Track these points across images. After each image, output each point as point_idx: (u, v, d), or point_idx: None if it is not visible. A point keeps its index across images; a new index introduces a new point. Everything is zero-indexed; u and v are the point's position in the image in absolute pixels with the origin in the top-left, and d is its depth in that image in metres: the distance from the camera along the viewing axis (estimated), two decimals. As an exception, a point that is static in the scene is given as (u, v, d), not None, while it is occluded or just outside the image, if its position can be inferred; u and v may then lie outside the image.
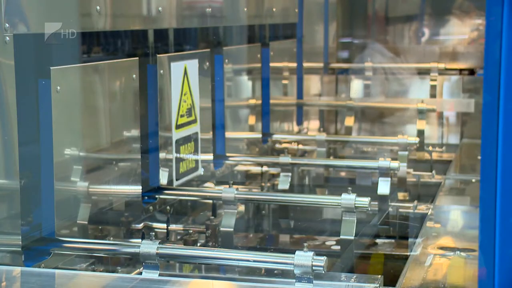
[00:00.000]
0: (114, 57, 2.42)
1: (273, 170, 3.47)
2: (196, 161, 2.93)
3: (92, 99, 2.24)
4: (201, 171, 2.96)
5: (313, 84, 4.78)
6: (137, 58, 2.48)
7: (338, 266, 2.41)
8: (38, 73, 2.00)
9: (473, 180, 3.39)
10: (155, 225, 2.61)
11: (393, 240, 3.06)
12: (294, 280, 1.88)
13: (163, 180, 2.67)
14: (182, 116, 2.79)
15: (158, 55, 2.61)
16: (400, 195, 3.38)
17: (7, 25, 1.84)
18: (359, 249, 2.87)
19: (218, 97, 3.15)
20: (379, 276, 1.98)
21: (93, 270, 2.21)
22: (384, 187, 2.92)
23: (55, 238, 2.05)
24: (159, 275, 1.99)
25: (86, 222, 2.22)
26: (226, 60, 3.18)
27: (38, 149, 2.02)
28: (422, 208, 3.35)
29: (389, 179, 2.93)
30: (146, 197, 2.56)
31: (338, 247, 2.85)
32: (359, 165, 3.29)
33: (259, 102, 3.69)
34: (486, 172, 1.60)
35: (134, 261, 2.44)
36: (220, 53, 3.15)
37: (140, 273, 2.15)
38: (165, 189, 2.66)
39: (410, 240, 2.96)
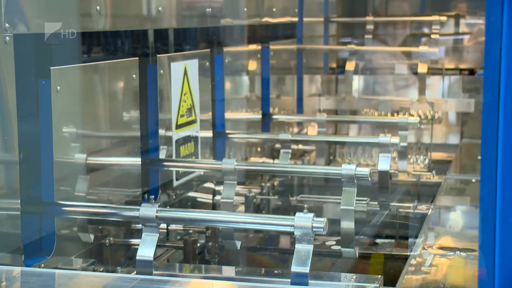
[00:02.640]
0: (114, 57, 2.42)
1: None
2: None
3: (92, 99, 2.23)
4: (201, 171, 2.96)
5: (313, 84, 4.78)
6: (137, 58, 2.48)
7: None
8: (38, 73, 2.00)
9: (473, 180, 3.39)
10: (155, 225, 2.61)
11: (393, 240, 3.06)
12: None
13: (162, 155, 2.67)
14: (182, 116, 2.79)
15: (158, 55, 2.61)
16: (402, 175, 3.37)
17: (7, 25, 1.84)
18: (359, 249, 2.87)
19: (218, 97, 3.15)
20: (379, 276, 1.98)
21: (93, 270, 2.21)
22: (384, 163, 2.91)
23: (54, 202, 2.05)
24: (157, 275, 1.99)
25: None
26: (226, 60, 3.18)
27: (38, 149, 2.02)
28: (422, 208, 3.36)
29: (390, 155, 2.92)
30: (146, 197, 2.57)
31: (339, 247, 2.86)
32: (359, 141, 3.30)
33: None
34: (486, 172, 1.60)
35: (134, 260, 2.45)
36: (220, 53, 3.15)
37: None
38: (165, 161, 2.65)
39: (410, 240, 2.96)
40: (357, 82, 4.74)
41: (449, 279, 2.23)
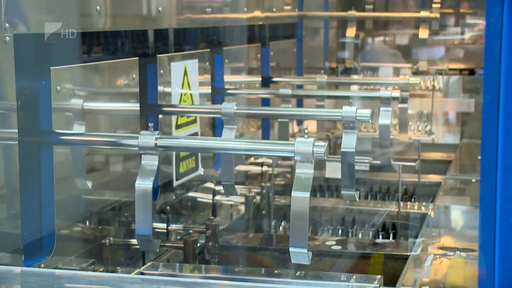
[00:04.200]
0: (114, 57, 2.42)
1: (271, 171, 3.47)
2: (196, 161, 2.92)
3: (92, 99, 2.23)
4: (201, 171, 2.96)
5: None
6: (137, 58, 2.47)
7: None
8: (38, 73, 1.99)
9: (473, 180, 3.40)
10: (155, 225, 2.61)
11: (393, 240, 3.07)
12: (294, 280, 1.88)
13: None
14: (182, 116, 2.79)
15: (158, 55, 2.60)
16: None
17: (7, 25, 1.84)
18: (359, 249, 2.88)
19: (218, 98, 3.15)
20: (379, 276, 1.98)
21: (93, 270, 2.21)
22: (385, 117, 2.90)
23: (51, 131, 2.02)
24: (159, 275, 1.99)
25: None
26: (226, 60, 3.18)
27: (39, 149, 2.02)
28: (422, 208, 3.36)
29: (390, 109, 2.90)
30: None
31: (339, 247, 2.86)
32: (360, 96, 3.29)
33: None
34: (486, 172, 1.60)
35: (134, 260, 2.45)
36: (220, 53, 3.14)
37: (141, 273, 2.16)
38: (164, 106, 2.62)
39: (410, 240, 2.96)
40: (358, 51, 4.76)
41: (449, 279, 2.23)
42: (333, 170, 3.57)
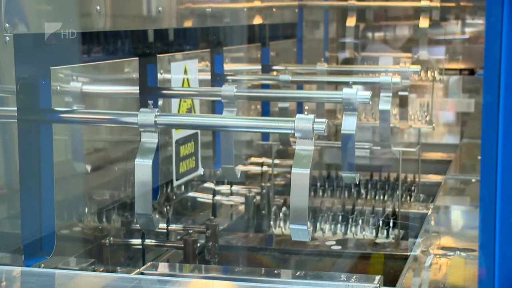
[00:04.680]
0: (114, 57, 2.42)
1: (271, 171, 3.48)
2: (196, 161, 2.93)
3: (92, 99, 2.23)
4: (201, 171, 2.96)
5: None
6: (137, 58, 2.47)
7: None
8: (38, 73, 1.99)
9: (473, 180, 3.40)
10: (155, 225, 2.61)
11: (393, 240, 3.07)
12: (294, 280, 1.88)
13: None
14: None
15: (158, 55, 2.60)
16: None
17: (7, 25, 1.84)
18: (359, 249, 2.88)
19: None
20: (379, 276, 1.98)
21: (93, 270, 2.21)
22: (385, 103, 2.89)
23: (50, 109, 2.01)
24: (159, 275, 1.99)
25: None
26: (226, 60, 3.18)
27: (39, 149, 2.02)
28: (422, 208, 3.36)
29: (390, 94, 2.90)
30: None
31: (339, 247, 2.86)
32: (361, 81, 3.29)
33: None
34: (486, 172, 1.60)
35: (134, 260, 2.45)
36: (220, 53, 3.14)
37: (141, 273, 2.16)
38: (163, 89, 2.61)
39: (410, 240, 2.96)
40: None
41: (449, 279, 2.23)
42: (333, 157, 3.58)
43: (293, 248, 2.88)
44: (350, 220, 3.23)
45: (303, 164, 1.81)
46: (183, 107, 2.81)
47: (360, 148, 3.17)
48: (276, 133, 1.97)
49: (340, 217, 3.26)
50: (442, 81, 4.47)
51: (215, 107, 3.12)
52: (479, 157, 1.64)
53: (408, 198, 3.75)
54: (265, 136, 3.77)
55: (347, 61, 4.66)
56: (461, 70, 4.98)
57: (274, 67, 3.70)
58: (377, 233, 3.18)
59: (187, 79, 2.82)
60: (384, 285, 1.96)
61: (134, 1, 2.48)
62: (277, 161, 3.53)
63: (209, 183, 3.09)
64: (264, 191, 3.38)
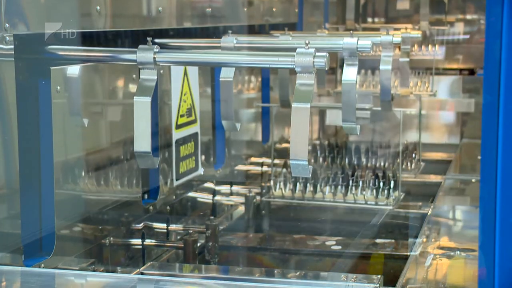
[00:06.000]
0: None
1: (271, 171, 3.47)
2: (196, 161, 2.93)
3: (92, 99, 2.24)
4: (201, 171, 2.96)
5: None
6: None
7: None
8: (38, 73, 1.99)
9: (473, 180, 3.40)
10: (155, 225, 2.61)
11: (393, 240, 3.06)
12: (294, 280, 1.88)
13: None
14: (182, 116, 2.79)
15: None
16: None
17: (7, 25, 1.84)
18: (359, 249, 2.88)
19: (218, 97, 3.15)
20: (379, 276, 1.98)
21: (93, 270, 2.21)
22: (386, 63, 2.87)
23: (49, 48, 2.00)
24: (159, 275, 1.99)
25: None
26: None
27: (38, 149, 2.02)
28: (422, 208, 3.36)
29: (392, 54, 2.86)
30: (146, 197, 2.57)
31: (339, 247, 2.86)
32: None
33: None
34: (486, 172, 1.60)
35: (134, 260, 2.45)
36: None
37: (141, 273, 2.16)
38: (161, 46, 2.60)
39: (410, 240, 2.96)
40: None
41: (449, 279, 2.23)
42: (333, 119, 3.55)
43: (293, 248, 2.88)
44: (351, 181, 3.21)
45: (304, 99, 1.76)
46: (183, 107, 2.81)
47: (361, 109, 3.14)
48: (276, 68, 1.90)
49: (341, 179, 3.24)
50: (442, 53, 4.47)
51: (215, 108, 3.12)
52: (479, 157, 1.64)
53: (409, 164, 3.77)
54: (265, 136, 3.77)
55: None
56: (461, 70, 4.98)
57: (275, 34, 3.63)
58: (377, 195, 3.16)
59: (187, 80, 2.82)
60: (384, 285, 1.96)
61: (134, 1, 2.48)
62: (277, 161, 3.53)
63: (209, 183, 3.09)
64: (264, 191, 3.38)
